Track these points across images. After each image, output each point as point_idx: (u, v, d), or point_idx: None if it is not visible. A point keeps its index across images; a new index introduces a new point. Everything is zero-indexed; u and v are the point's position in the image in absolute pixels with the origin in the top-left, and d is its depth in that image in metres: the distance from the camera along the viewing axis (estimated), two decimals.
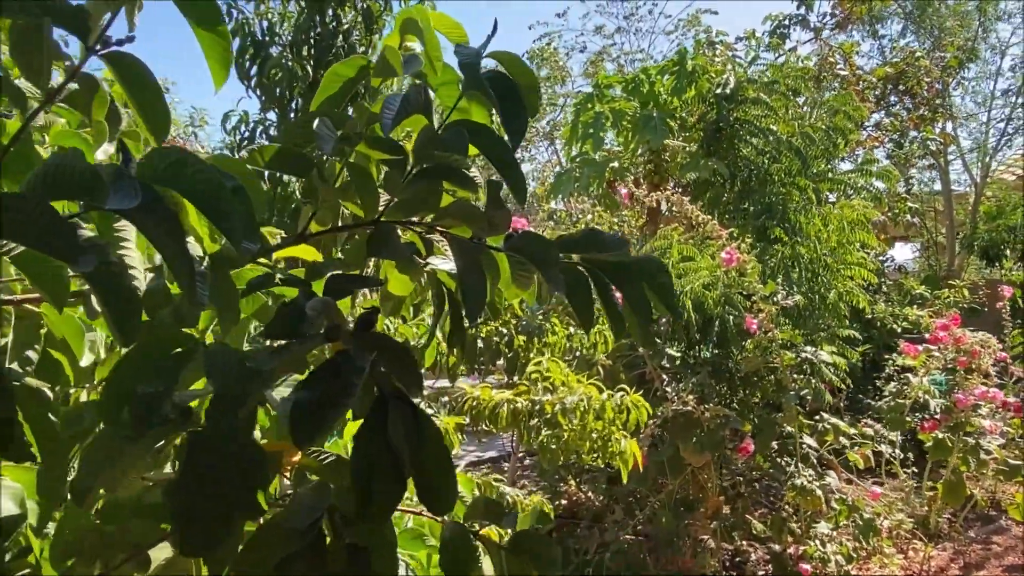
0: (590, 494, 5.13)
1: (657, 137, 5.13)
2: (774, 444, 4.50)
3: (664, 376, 4.11)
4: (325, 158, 0.96)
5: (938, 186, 10.60)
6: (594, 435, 2.36)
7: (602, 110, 5.38)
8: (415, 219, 0.96)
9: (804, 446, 4.47)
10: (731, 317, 4.23)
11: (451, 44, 1.10)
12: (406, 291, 0.96)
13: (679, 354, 4.11)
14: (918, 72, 7.33)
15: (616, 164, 5.52)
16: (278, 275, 0.78)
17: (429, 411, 2.35)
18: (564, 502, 5.35)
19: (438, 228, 0.93)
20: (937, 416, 4.57)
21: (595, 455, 2.44)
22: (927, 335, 4.38)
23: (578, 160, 5.79)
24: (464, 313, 0.92)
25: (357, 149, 0.88)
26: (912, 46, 8.39)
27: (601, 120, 5.35)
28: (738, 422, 3.95)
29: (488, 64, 0.99)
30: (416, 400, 0.76)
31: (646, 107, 5.38)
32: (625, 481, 2.56)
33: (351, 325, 0.78)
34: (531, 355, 3.10)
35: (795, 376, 4.14)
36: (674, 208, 4.18)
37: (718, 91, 5.19)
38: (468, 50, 0.89)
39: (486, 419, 2.34)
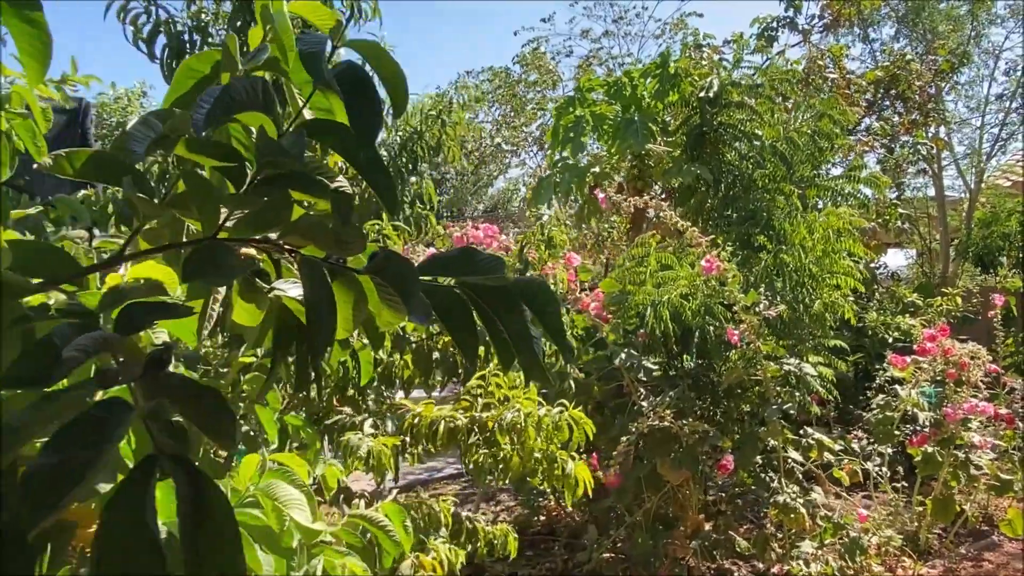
0: (569, 508, 4.98)
1: (638, 141, 5.00)
2: (758, 458, 4.36)
3: (641, 390, 3.96)
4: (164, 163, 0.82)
5: (932, 192, 10.47)
6: (536, 455, 2.20)
7: (583, 114, 5.25)
8: (271, 235, 0.82)
9: (789, 461, 4.34)
10: (711, 328, 4.10)
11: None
12: (254, 321, 0.81)
13: (656, 366, 3.96)
14: (909, 76, 7.19)
15: (597, 169, 5.38)
16: (54, 306, 0.64)
17: (370, 432, 2.21)
18: (543, 518, 5.20)
19: (286, 247, 0.79)
20: (926, 429, 4.43)
21: (541, 478, 2.28)
22: (916, 346, 4.23)
23: (559, 165, 5.65)
24: (311, 346, 0.78)
25: (177, 153, 0.73)
26: (904, 50, 8.26)
27: (581, 124, 5.21)
28: (718, 438, 3.81)
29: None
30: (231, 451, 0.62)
31: (628, 111, 5.25)
32: (569, 506, 2.41)
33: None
34: (490, 367, 2.95)
35: (778, 389, 4.00)
36: (659, 214, 4.04)
37: (701, 94, 5.05)
38: (312, 37, 0.75)
39: (424, 438, 2.19)
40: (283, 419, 1.90)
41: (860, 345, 7.35)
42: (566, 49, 10.67)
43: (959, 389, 4.16)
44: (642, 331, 4.09)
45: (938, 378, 4.36)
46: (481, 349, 3.14)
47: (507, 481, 2.39)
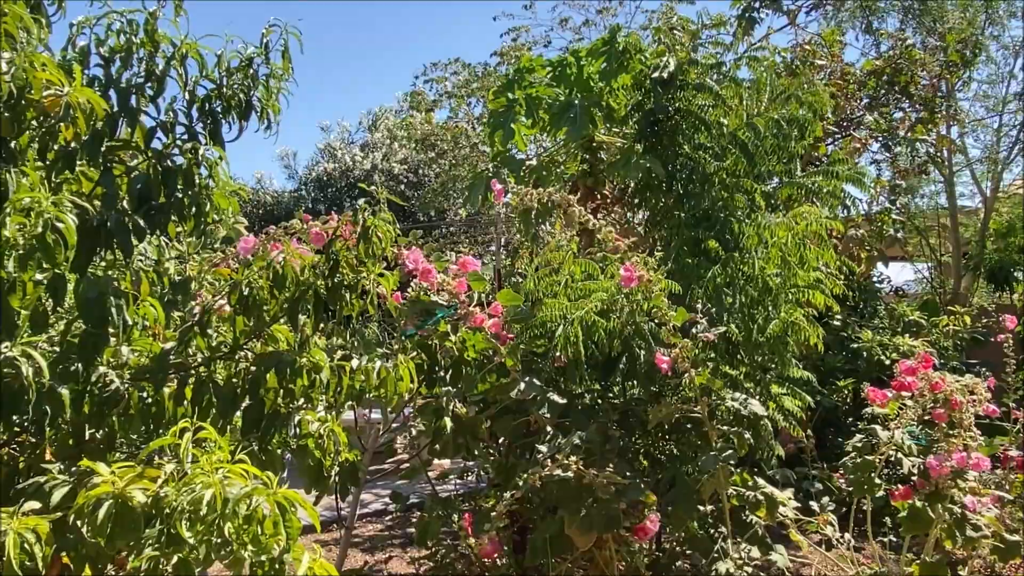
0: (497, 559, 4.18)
1: (576, 129, 4.22)
2: (709, 507, 3.58)
3: (549, 428, 3.18)
4: None
5: (944, 200, 9.53)
6: (245, 556, 1.44)
7: (516, 97, 4.49)
8: None
9: (746, 513, 3.56)
10: (642, 352, 3.32)
11: None
12: None
13: (564, 400, 3.18)
14: (912, 65, 6.34)
15: (534, 162, 4.62)
16: None
17: (33, 507, 1.46)
18: (459, 566, 4.41)
19: None
20: (913, 479, 3.61)
21: None
22: (894, 380, 3.42)
23: (499, 159, 4.89)
24: None
25: None
26: (907, 36, 7.35)
27: (513, 109, 4.45)
28: (638, 491, 3.01)
29: None
30: None
31: (571, 94, 4.48)
32: None
33: None
34: (295, 402, 2.20)
35: (723, 428, 3.21)
36: (567, 209, 3.29)
37: (654, 75, 4.28)
38: None
39: (89, 525, 1.43)
40: None
41: (854, 368, 6.52)
42: (544, 39, 9.89)
43: (952, 433, 3.34)
44: (559, 355, 3.32)
45: (927, 417, 3.54)
46: (272, 377, 2.37)
47: None
